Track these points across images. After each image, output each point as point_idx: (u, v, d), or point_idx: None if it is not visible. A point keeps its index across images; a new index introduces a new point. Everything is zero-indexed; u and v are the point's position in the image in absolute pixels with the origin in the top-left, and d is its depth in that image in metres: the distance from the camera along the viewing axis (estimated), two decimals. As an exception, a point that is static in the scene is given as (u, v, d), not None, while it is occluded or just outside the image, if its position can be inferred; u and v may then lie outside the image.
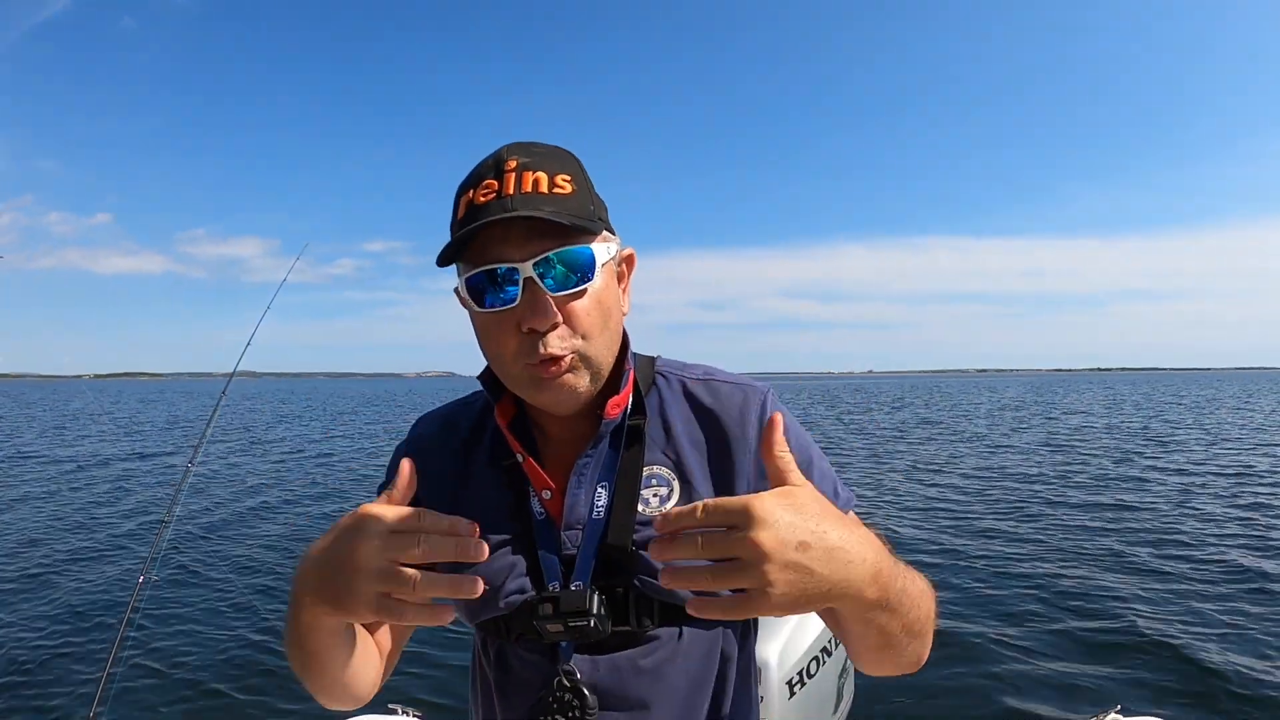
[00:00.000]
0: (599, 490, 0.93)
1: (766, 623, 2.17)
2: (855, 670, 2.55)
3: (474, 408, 1.05)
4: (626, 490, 0.93)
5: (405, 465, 0.74)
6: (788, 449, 0.72)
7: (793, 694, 2.21)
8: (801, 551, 0.64)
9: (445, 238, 0.89)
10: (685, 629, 0.92)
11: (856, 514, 0.93)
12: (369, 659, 0.94)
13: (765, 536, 0.63)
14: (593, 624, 0.87)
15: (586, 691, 0.88)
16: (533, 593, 0.91)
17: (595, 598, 0.88)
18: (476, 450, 1.01)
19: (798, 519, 0.65)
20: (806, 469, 0.92)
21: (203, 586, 6.57)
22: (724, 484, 0.95)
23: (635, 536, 0.91)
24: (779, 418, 0.74)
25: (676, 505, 0.88)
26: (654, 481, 0.95)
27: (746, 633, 1.00)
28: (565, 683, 0.89)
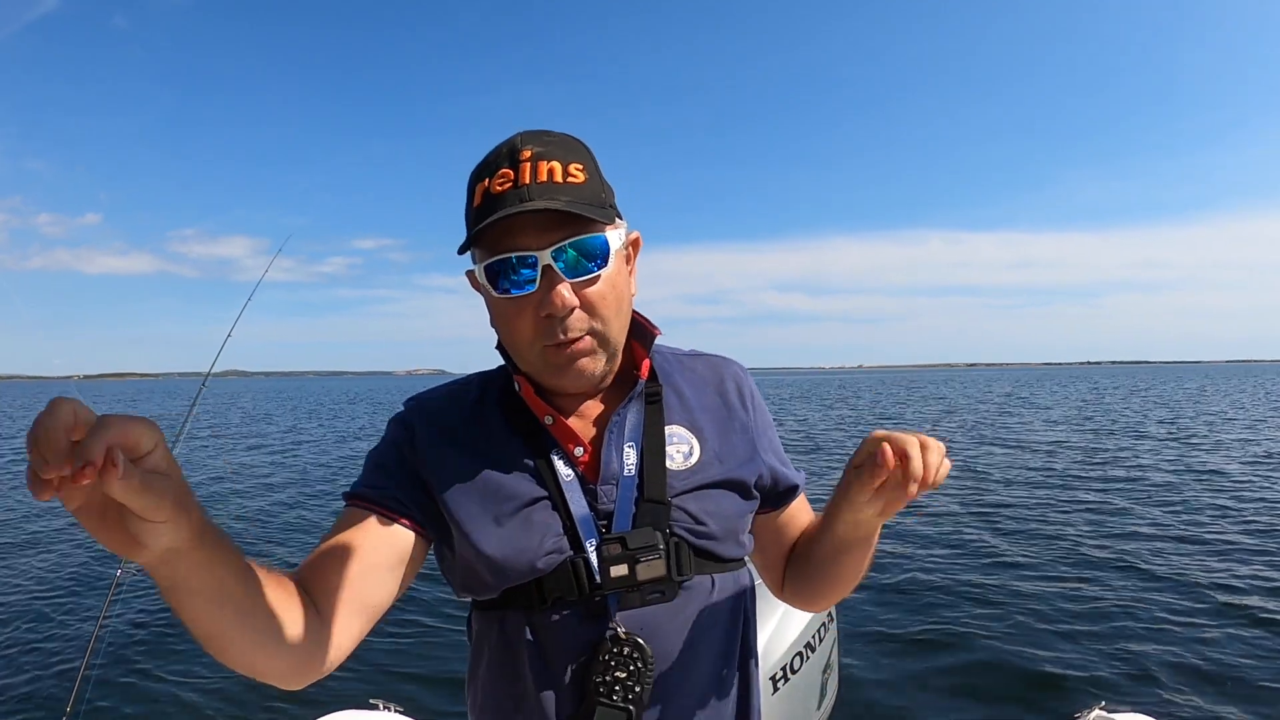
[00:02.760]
0: (627, 449, 0.98)
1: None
2: (839, 666, 2.55)
3: (473, 384, 1.08)
4: (654, 447, 0.99)
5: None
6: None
7: (776, 689, 2.21)
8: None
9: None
10: (716, 578, 0.98)
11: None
12: (290, 603, 0.83)
13: (920, 456, 0.83)
14: (661, 557, 0.91)
15: (642, 642, 0.91)
16: (571, 552, 0.93)
17: (659, 535, 0.92)
18: (489, 415, 1.02)
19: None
20: (770, 435, 1.10)
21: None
22: (730, 440, 1.04)
23: (669, 490, 0.96)
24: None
25: (699, 461, 1.00)
26: (675, 439, 1.01)
27: (753, 582, 1.08)
28: (621, 635, 0.90)
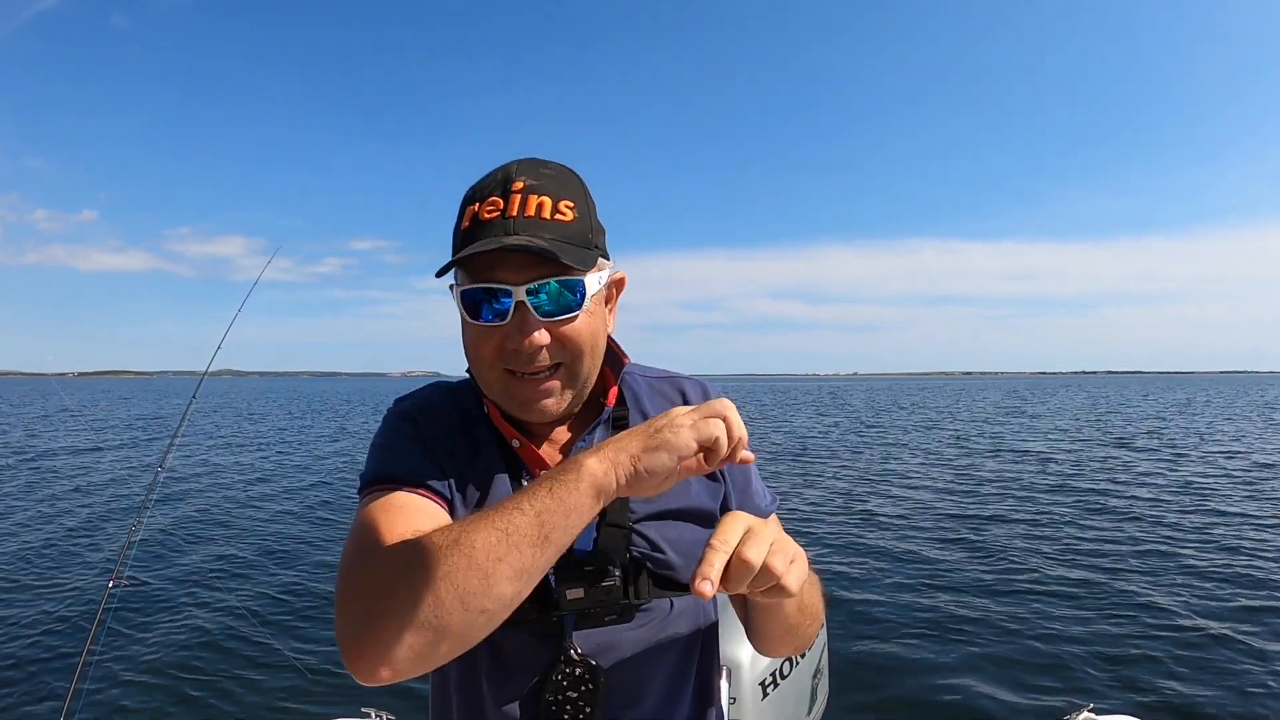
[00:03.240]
0: None
1: (739, 624, 2.16)
2: (829, 671, 2.56)
3: (459, 393, 1.08)
4: None
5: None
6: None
7: (766, 695, 2.21)
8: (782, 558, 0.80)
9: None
10: (675, 600, 0.99)
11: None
12: None
13: (771, 565, 0.79)
14: (617, 581, 0.92)
15: (595, 663, 0.92)
16: None
17: (615, 560, 0.94)
18: (473, 426, 1.03)
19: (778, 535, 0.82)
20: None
21: (176, 588, 6.51)
22: (697, 486, 1.05)
23: (630, 515, 0.97)
24: (751, 458, 0.85)
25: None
26: None
27: (715, 601, 1.09)
28: (574, 656, 0.92)
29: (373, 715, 2.14)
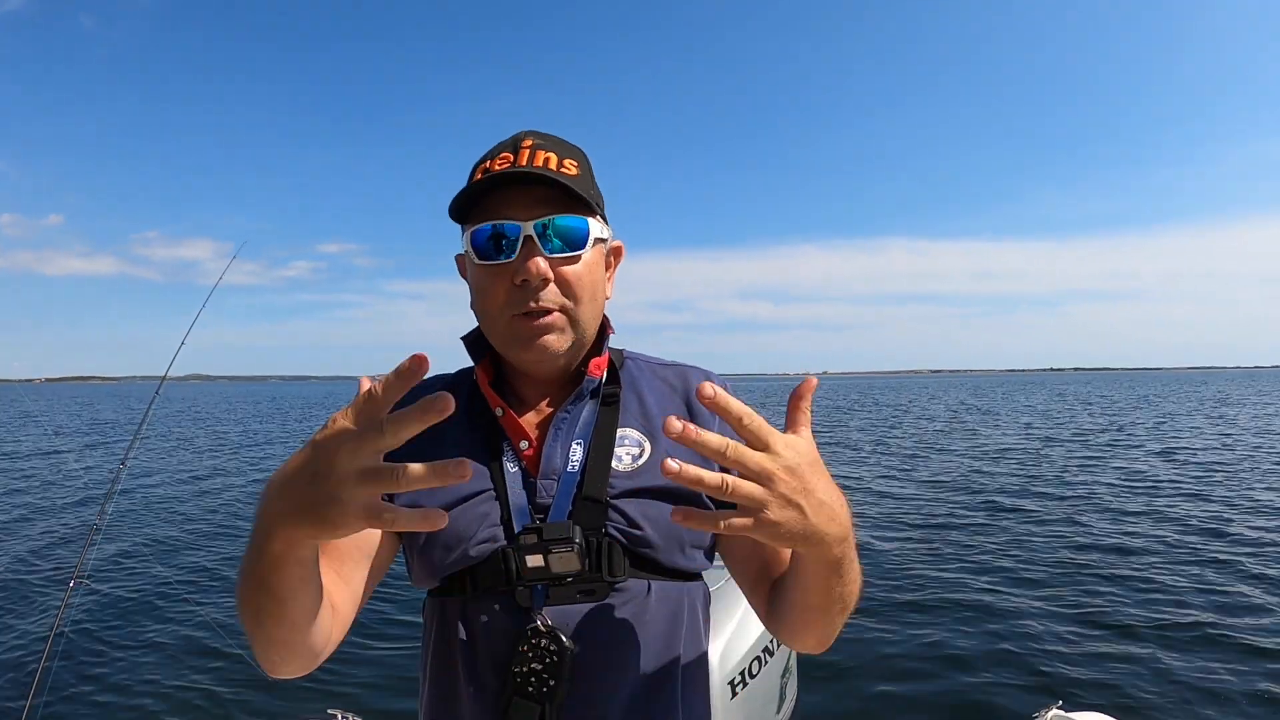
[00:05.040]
0: (574, 446, 0.99)
1: (709, 622, 2.17)
2: (798, 670, 2.58)
3: (444, 377, 1.11)
4: (602, 446, 0.99)
5: (363, 381, 0.67)
6: (809, 408, 0.77)
7: (735, 694, 2.22)
8: (804, 495, 0.72)
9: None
10: (654, 584, 0.97)
11: None
12: (327, 605, 0.88)
13: (779, 468, 0.71)
14: (575, 550, 0.91)
15: (563, 637, 0.91)
16: (504, 542, 0.94)
17: (577, 529, 0.93)
18: (464, 401, 1.04)
19: (807, 463, 0.73)
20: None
21: (138, 587, 6.42)
22: (692, 453, 1.00)
23: (609, 490, 0.96)
24: (813, 381, 0.78)
25: (645, 464, 0.99)
26: (626, 442, 1.01)
27: (707, 600, 1.07)
28: (541, 628, 0.91)
29: (339, 716, 2.12)
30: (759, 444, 0.72)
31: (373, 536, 0.99)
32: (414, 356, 0.61)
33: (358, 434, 0.62)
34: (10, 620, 5.60)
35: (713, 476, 0.70)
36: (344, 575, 0.95)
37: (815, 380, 0.77)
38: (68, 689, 4.44)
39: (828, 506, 0.75)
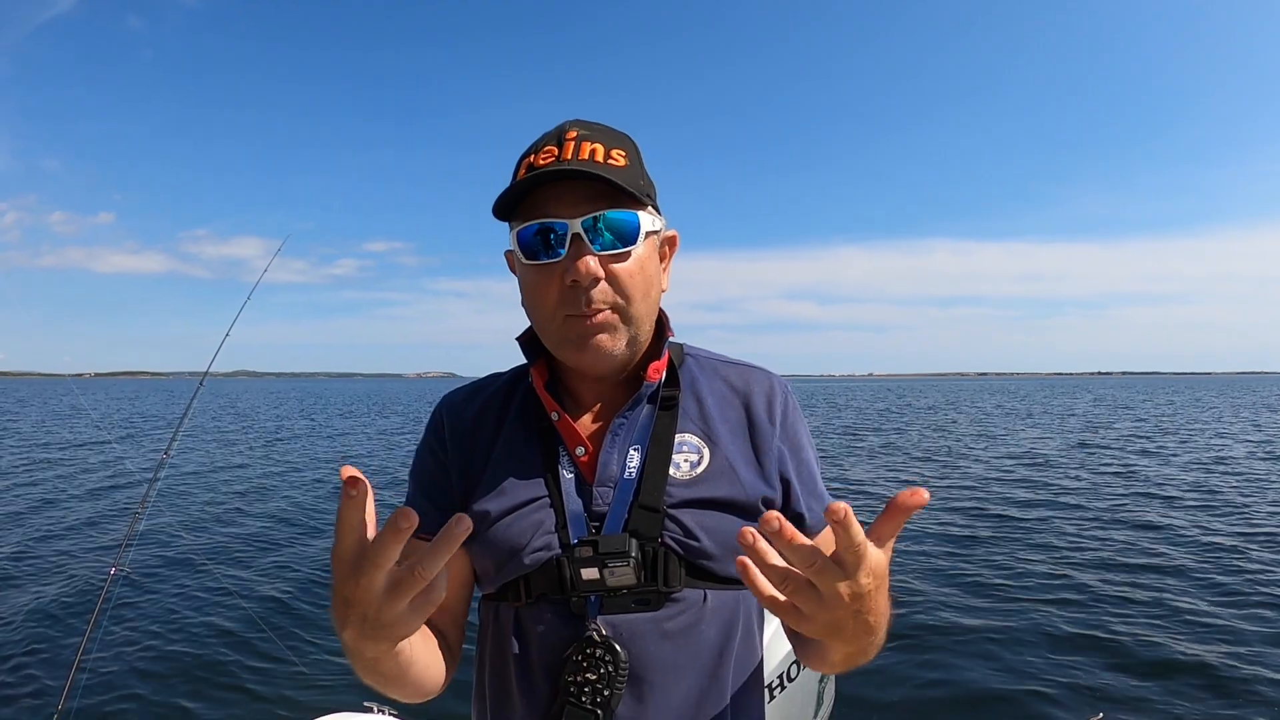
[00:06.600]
0: (631, 452, 0.97)
1: (763, 629, 2.14)
2: (836, 674, 2.53)
3: (502, 377, 1.09)
4: (660, 453, 0.96)
5: (345, 470, 0.65)
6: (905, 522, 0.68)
7: (773, 697, 2.19)
8: (855, 616, 0.68)
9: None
10: (710, 593, 0.95)
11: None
12: (435, 647, 0.96)
13: (849, 594, 0.66)
14: (631, 565, 0.89)
15: (618, 647, 0.90)
16: (559, 550, 0.93)
17: (634, 543, 0.91)
18: (508, 411, 1.03)
19: (876, 586, 0.68)
20: (801, 457, 1.03)
21: (177, 578, 6.53)
22: (752, 460, 0.99)
23: (667, 499, 0.94)
24: (924, 496, 0.64)
25: (705, 472, 0.96)
26: (685, 448, 0.98)
27: (761, 607, 1.03)
28: (595, 638, 0.90)
29: (376, 710, 2.13)
30: (848, 570, 0.66)
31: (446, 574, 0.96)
32: (348, 478, 0.62)
33: (394, 590, 0.66)
34: (52, 609, 5.74)
35: (805, 547, 0.65)
36: (448, 607, 0.99)
37: (927, 495, 0.64)
38: (109, 666, 4.56)
39: (871, 623, 0.70)
